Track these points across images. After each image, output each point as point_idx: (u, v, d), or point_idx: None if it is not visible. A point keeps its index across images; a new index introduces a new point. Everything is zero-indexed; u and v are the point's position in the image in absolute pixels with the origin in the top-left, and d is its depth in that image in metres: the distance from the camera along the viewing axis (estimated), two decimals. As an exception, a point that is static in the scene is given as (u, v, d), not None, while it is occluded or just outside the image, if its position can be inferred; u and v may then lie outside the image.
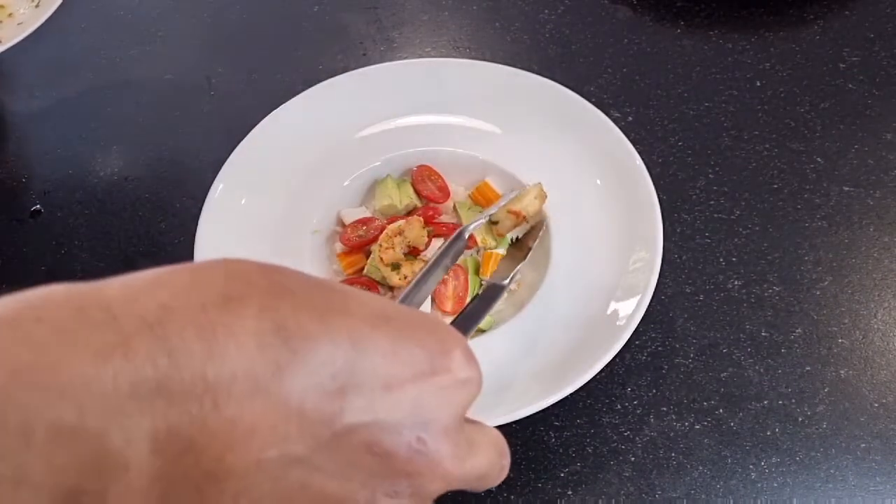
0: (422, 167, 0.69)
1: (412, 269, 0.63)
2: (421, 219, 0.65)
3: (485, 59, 0.76)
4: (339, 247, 0.67)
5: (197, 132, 0.79)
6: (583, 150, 0.67)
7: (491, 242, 0.66)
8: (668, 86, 0.78)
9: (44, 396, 0.23)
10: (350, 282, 0.65)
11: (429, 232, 0.65)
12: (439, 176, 0.69)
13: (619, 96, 0.77)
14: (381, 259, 0.63)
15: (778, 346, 0.63)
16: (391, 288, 0.64)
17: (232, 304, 0.25)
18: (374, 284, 0.64)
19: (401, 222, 0.65)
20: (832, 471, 0.58)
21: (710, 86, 0.78)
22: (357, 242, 0.66)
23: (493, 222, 0.65)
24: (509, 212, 0.64)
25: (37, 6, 0.79)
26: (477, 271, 0.65)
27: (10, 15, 0.80)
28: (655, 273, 0.59)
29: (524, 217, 0.64)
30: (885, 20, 0.82)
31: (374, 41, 0.85)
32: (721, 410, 0.61)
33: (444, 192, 0.68)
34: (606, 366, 0.57)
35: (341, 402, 0.26)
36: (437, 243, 0.65)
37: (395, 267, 0.63)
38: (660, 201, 0.63)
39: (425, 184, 0.69)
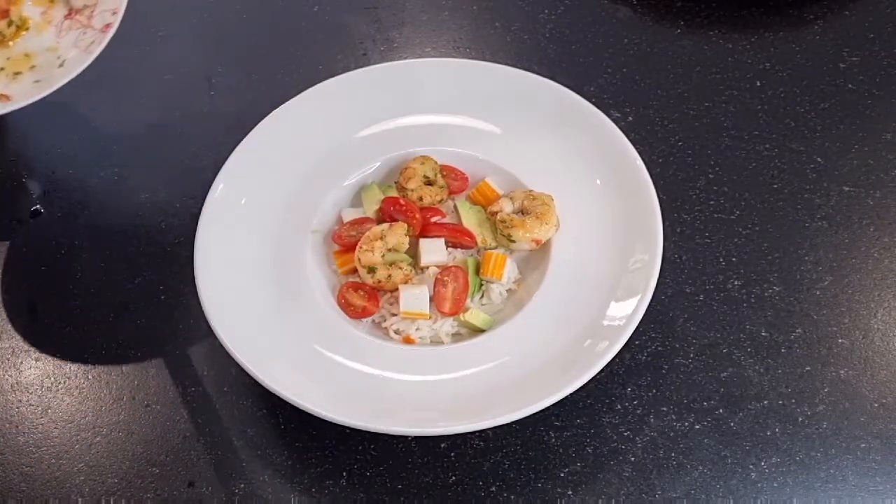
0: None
1: (387, 273, 0.63)
2: (406, 225, 0.65)
3: (485, 59, 0.76)
4: (336, 246, 0.67)
5: (197, 132, 0.79)
6: (583, 150, 0.67)
7: (491, 243, 0.66)
8: (668, 86, 0.78)
9: None
10: (347, 285, 0.65)
11: (410, 237, 0.65)
12: (451, 168, 0.69)
13: (619, 96, 0.77)
14: (359, 260, 0.64)
15: (778, 346, 0.63)
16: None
17: None
18: (363, 284, 0.64)
19: (384, 226, 0.65)
20: (832, 471, 0.58)
21: (710, 86, 0.78)
22: (349, 242, 0.66)
23: (511, 240, 0.65)
24: (533, 240, 0.64)
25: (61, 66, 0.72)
26: (477, 271, 0.65)
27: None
28: (655, 273, 0.59)
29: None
30: (885, 20, 0.82)
31: (374, 41, 0.85)
32: (721, 410, 0.61)
33: (463, 181, 0.69)
34: (606, 366, 0.57)
35: None
36: (427, 244, 0.65)
37: (371, 270, 0.63)
38: (660, 201, 0.63)
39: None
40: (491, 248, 0.66)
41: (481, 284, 0.64)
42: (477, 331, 0.63)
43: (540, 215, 0.64)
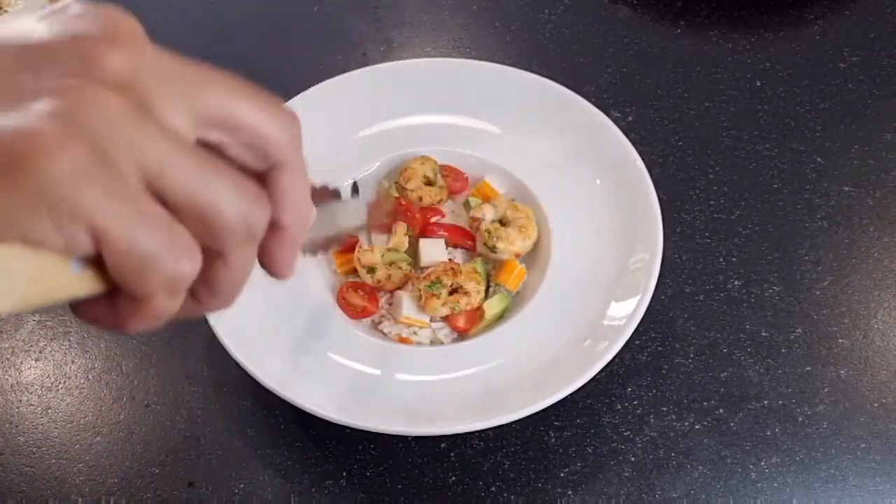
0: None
1: (387, 273, 0.63)
2: (406, 225, 0.65)
3: (485, 59, 0.76)
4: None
5: (197, 132, 0.79)
6: (583, 150, 0.67)
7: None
8: (668, 86, 0.78)
9: None
10: (347, 285, 0.65)
11: (410, 237, 0.65)
12: (452, 168, 0.69)
13: (619, 96, 0.77)
14: (359, 260, 0.64)
15: (778, 346, 0.63)
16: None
17: None
18: (363, 284, 0.64)
19: None
20: (832, 471, 0.58)
21: (710, 86, 0.78)
22: (348, 242, 0.66)
23: (494, 251, 0.64)
24: (515, 253, 0.64)
25: None
26: (487, 274, 0.64)
27: None
28: (655, 273, 0.59)
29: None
30: (885, 20, 0.82)
31: (374, 41, 0.85)
32: (721, 410, 0.61)
33: (463, 181, 0.69)
34: (606, 366, 0.57)
35: None
36: (427, 244, 0.65)
37: (371, 270, 0.63)
38: (660, 201, 0.63)
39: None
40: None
41: (489, 287, 0.64)
42: (496, 320, 0.63)
43: (522, 228, 0.64)
